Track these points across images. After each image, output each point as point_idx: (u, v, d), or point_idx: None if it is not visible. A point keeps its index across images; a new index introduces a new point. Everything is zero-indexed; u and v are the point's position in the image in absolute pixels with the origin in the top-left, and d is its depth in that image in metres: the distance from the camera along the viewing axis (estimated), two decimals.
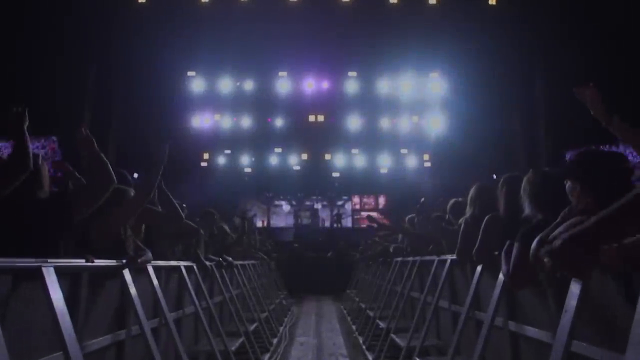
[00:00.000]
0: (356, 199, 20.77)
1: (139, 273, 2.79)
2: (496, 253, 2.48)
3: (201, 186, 17.06)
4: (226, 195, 17.05)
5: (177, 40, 16.60)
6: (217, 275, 4.56)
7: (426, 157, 19.84)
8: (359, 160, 19.74)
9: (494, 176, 13.65)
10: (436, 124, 19.56)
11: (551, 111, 15.63)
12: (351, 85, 19.72)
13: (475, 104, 17.02)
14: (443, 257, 3.88)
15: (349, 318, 8.11)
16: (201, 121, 19.79)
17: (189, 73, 19.55)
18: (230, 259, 5.33)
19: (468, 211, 3.24)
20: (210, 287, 4.65)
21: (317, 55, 18.64)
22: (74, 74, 14.74)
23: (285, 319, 7.83)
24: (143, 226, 3.09)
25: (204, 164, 19.76)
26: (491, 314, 2.68)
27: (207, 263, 4.33)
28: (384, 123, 19.77)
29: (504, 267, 2.27)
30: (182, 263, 3.63)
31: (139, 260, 2.51)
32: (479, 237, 2.76)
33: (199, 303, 3.72)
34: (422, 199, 4.43)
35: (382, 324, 5.39)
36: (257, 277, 7.53)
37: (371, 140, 19.61)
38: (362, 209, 20.65)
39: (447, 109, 19.33)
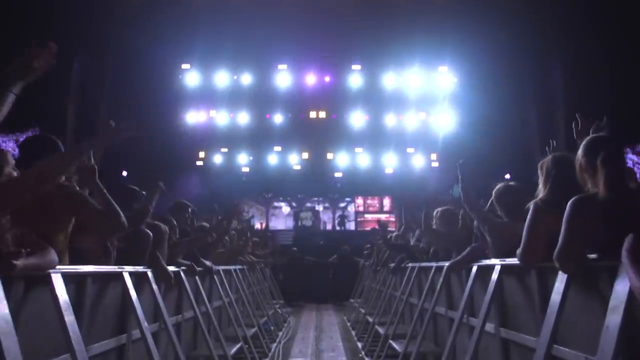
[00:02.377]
0: (360, 201, 20.76)
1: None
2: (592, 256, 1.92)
3: (196, 187, 17.17)
4: (222, 196, 17.19)
5: (169, 30, 16.64)
6: (186, 284, 3.91)
7: (434, 156, 19.87)
8: (363, 159, 19.81)
9: (508, 176, 13.82)
10: (445, 121, 19.62)
11: (571, 102, 15.61)
12: (355, 79, 19.80)
13: (486, 98, 17.11)
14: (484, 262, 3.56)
15: (353, 332, 7.65)
16: (196, 117, 19.90)
17: (183, 66, 19.65)
18: (209, 263, 4.78)
19: (541, 190, 2.43)
20: (176, 300, 4.08)
21: (319, 47, 18.75)
22: (55, 66, 14.70)
23: (280, 333, 7.31)
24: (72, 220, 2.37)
25: (199, 163, 19.86)
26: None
27: (172, 268, 3.67)
28: (390, 120, 19.82)
29: (632, 273, 1.55)
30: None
31: (16, 263, 1.71)
32: (563, 229, 1.95)
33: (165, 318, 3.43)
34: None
35: (396, 346, 4.75)
36: (247, 285, 7.13)
37: (376, 139, 19.66)
38: (366, 211, 20.65)
39: (456, 104, 19.43)
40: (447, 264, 3.87)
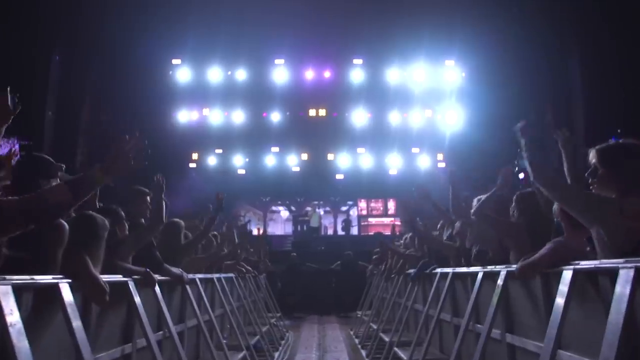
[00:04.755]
0: (363, 204, 20.86)
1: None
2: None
3: (189, 191, 17.17)
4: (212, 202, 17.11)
5: (158, 22, 16.51)
6: (134, 297, 2.99)
7: (440, 156, 19.88)
8: (366, 160, 19.83)
9: (522, 176, 13.87)
10: (452, 119, 19.66)
11: (590, 99, 15.54)
12: (357, 74, 19.81)
13: (496, 94, 17.06)
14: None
15: (363, 353, 6.98)
16: (188, 116, 19.90)
17: (173, 61, 19.65)
18: (178, 271, 3.99)
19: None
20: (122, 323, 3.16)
21: (318, 41, 18.69)
22: (33, 62, 14.35)
23: (277, 354, 6.73)
24: None
25: (192, 165, 19.85)
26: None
27: (105, 279, 2.57)
28: (394, 118, 19.84)
29: None
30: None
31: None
32: None
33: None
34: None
35: None
36: (237, 297, 6.58)
37: (379, 138, 19.67)
38: (369, 215, 20.71)
39: (464, 100, 19.43)
40: (511, 267, 3.03)
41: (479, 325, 3.65)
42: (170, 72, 19.77)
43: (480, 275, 3.57)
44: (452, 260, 4.75)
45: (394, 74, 19.75)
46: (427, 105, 19.90)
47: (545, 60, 17.31)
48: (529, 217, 3.28)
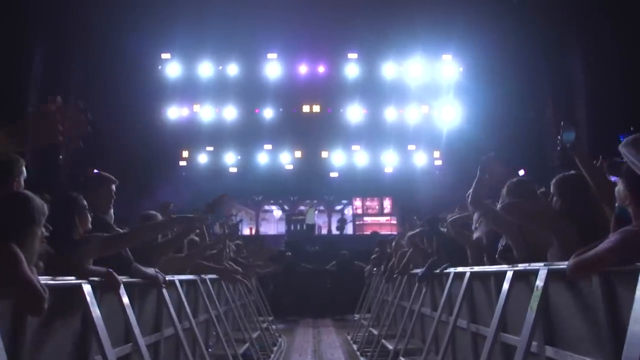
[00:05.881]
0: (358, 203, 20.40)
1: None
2: None
3: (179, 190, 16.78)
4: (208, 199, 16.78)
5: (147, 15, 16.24)
6: (90, 305, 2.41)
7: (437, 154, 19.73)
8: (361, 157, 19.62)
9: (522, 172, 13.49)
10: (449, 115, 19.43)
11: (593, 96, 15.30)
12: (351, 69, 19.58)
13: (495, 90, 16.85)
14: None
15: None
16: (178, 112, 19.56)
17: (163, 55, 19.32)
18: (152, 271, 3.39)
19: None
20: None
21: (311, 34, 18.45)
22: (15, 55, 13.83)
23: None
24: None
25: (182, 163, 19.53)
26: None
27: (45, 281, 2.02)
28: (389, 114, 19.63)
29: None
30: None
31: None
32: None
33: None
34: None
35: None
36: (224, 301, 6.07)
37: (374, 135, 19.48)
38: (364, 214, 20.40)
39: (461, 96, 19.21)
40: (554, 265, 2.55)
41: (508, 335, 3.09)
42: (160, 67, 19.42)
43: (509, 275, 3.01)
44: (471, 257, 4.20)
45: (389, 69, 19.57)
46: (424, 101, 19.73)
47: (545, 55, 17.14)
48: (575, 203, 2.73)
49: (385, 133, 19.48)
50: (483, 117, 17.42)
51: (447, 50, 19.19)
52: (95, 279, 2.63)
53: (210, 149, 19.57)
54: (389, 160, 19.67)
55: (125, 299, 2.88)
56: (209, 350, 5.01)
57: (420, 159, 19.68)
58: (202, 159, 19.57)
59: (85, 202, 2.84)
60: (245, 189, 19.40)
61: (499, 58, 17.04)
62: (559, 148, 2.78)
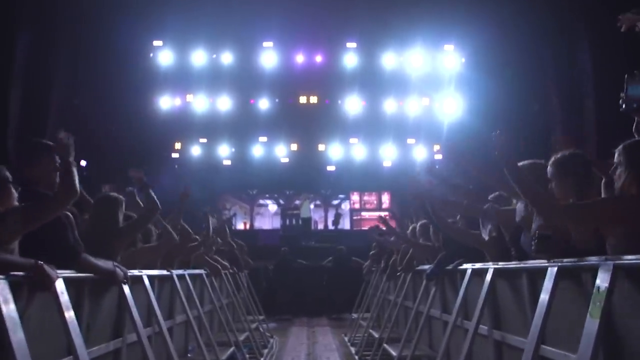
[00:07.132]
0: (355, 197, 20.10)
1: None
2: None
3: (171, 183, 16.35)
4: (201, 193, 16.40)
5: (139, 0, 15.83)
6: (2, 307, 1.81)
7: (437, 147, 19.25)
8: (359, 151, 19.24)
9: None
10: (450, 107, 19.00)
11: (602, 88, 14.88)
12: (350, 59, 19.16)
13: (498, 81, 16.39)
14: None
15: None
16: (170, 102, 19.07)
17: (155, 42, 18.82)
18: (111, 264, 2.79)
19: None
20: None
21: (309, 23, 18.06)
22: None
23: None
24: None
25: (174, 155, 19.08)
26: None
27: None
28: (389, 106, 19.21)
29: None
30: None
31: None
32: None
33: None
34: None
35: None
36: (208, 299, 5.53)
37: (373, 128, 19.10)
38: (362, 209, 20.03)
39: (463, 88, 18.78)
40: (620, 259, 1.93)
41: (553, 350, 2.46)
42: (151, 55, 18.86)
43: (552, 272, 2.38)
44: (488, 254, 3.60)
45: (389, 59, 19.11)
46: (424, 93, 19.28)
47: (550, 45, 16.67)
48: None
49: (384, 125, 19.09)
50: (485, 109, 16.91)
51: (449, 40, 18.81)
52: (18, 273, 1.99)
53: (204, 140, 19.12)
54: (388, 154, 19.27)
55: (65, 298, 2.24)
56: (189, 355, 4.41)
57: (420, 153, 19.22)
58: (195, 151, 19.11)
59: (7, 174, 2.26)
60: (240, 182, 19.17)
61: (503, 48, 16.55)
62: (622, 108, 2.19)
